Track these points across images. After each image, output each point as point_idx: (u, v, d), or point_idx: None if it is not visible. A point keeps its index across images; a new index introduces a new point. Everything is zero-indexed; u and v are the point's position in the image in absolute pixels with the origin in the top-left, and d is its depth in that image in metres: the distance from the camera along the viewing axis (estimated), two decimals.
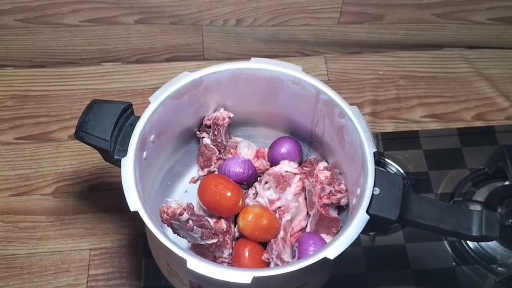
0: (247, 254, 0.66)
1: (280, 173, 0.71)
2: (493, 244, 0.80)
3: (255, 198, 0.71)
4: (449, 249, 0.81)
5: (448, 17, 0.99)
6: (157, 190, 0.71)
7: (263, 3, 0.93)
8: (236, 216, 0.69)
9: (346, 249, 0.55)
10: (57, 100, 0.95)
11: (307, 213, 0.71)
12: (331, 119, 0.67)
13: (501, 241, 0.80)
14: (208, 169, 0.75)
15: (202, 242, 0.63)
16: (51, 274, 0.79)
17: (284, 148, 0.74)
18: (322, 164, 0.70)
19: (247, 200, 0.71)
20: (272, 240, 0.67)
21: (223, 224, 0.67)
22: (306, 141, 0.75)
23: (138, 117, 0.63)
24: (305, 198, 0.71)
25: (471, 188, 0.86)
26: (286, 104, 0.71)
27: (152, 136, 0.65)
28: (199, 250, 0.65)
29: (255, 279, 0.53)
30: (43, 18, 0.92)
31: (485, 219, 0.60)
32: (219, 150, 0.74)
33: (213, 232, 0.64)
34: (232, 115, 0.72)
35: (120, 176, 0.59)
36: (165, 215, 0.58)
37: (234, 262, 0.67)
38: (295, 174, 0.71)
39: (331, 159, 0.72)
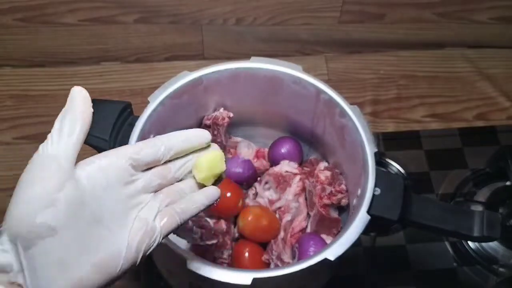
0: (247, 254, 0.66)
1: (280, 173, 0.71)
2: (494, 244, 0.80)
3: (255, 198, 0.71)
4: (450, 249, 0.80)
5: (449, 17, 0.98)
6: None
7: (263, 2, 0.92)
8: (236, 216, 0.69)
9: (347, 249, 0.55)
10: (56, 100, 0.95)
11: (308, 213, 0.70)
12: (331, 119, 0.67)
13: (502, 242, 0.79)
14: None
15: (202, 243, 0.63)
16: None
17: (284, 148, 0.73)
18: (323, 164, 0.70)
19: (247, 201, 0.71)
20: (272, 240, 0.67)
21: (222, 224, 0.67)
22: (306, 141, 0.75)
23: (138, 117, 0.63)
24: (306, 199, 0.71)
25: (472, 188, 0.85)
26: (286, 104, 0.71)
27: (152, 136, 0.64)
28: (199, 250, 0.64)
29: (255, 280, 0.53)
30: (42, 17, 0.92)
31: (486, 220, 0.60)
32: None
33: (212, 232, 0.64)
34: (231, 115, 0.71)
35: None
36: None
37: (234, 263, 0.67)
38: (295, 174, 0.71)
39: (331, 159, 0.72)
